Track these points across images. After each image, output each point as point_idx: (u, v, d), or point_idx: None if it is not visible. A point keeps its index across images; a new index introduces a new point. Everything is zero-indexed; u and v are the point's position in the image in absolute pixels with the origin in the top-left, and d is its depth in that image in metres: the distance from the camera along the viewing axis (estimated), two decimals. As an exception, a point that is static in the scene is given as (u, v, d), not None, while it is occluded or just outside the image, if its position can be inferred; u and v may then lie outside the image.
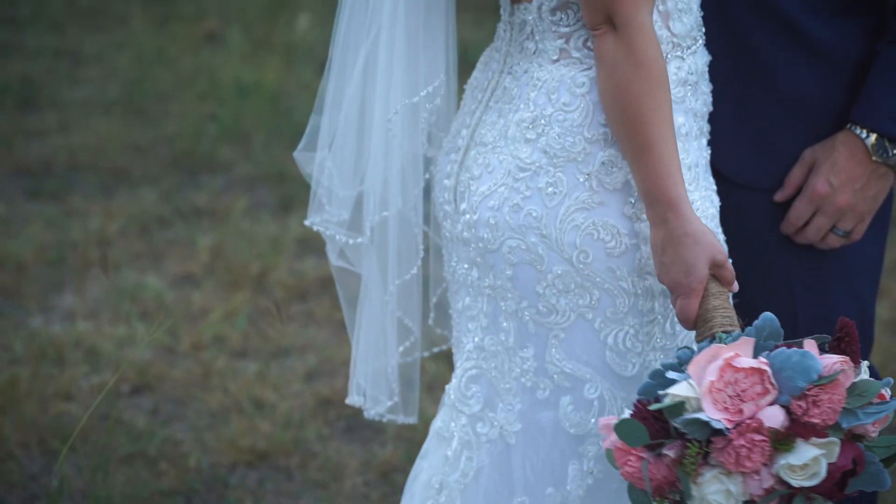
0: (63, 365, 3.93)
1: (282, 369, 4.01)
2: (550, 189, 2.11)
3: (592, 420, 2.16)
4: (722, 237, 2.21)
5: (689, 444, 1.90)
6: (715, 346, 1.94)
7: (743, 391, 1.91)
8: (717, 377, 1.90)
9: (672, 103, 2.07)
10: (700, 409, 1.90)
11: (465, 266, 2.21)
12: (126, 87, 5.88)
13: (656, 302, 2.14)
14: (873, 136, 2.25)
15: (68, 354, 3.98)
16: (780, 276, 2.35)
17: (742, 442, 1.88)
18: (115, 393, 3.80)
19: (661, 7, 2.11)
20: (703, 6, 2.19)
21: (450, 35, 2.26)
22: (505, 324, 2.18)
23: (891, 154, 2.25)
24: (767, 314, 1.98)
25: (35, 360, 3.92)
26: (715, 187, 2.23)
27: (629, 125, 2.03)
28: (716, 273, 2.04)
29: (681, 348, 2.09)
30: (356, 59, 2.23)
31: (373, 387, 2.37)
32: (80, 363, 3.95)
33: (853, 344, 1.97)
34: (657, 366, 2.01)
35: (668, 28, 2.13)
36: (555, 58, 2.13)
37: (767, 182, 2.33)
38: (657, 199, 2.03)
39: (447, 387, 2.28)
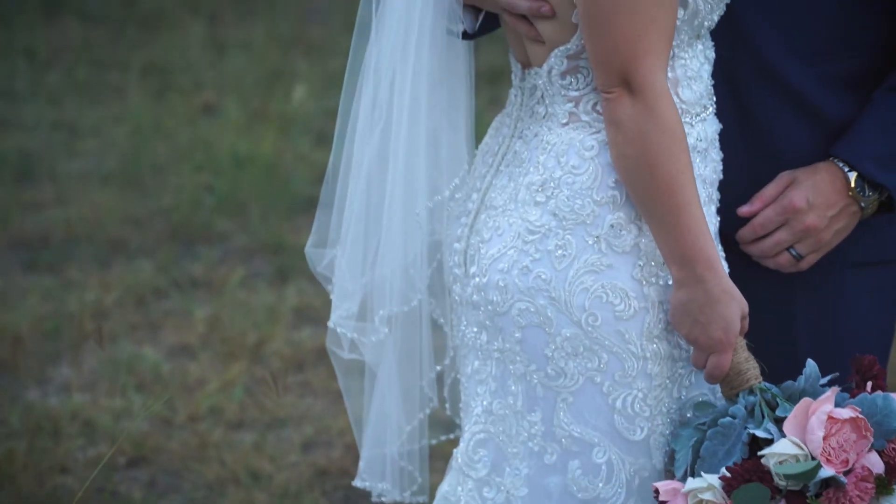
0: (59, 438, 3.92)
1: (278, 440, 3.99)
2: (560, 251, 2.11)
3: (600, 484, 2.15)
4: None
5: (808, 500, 1.99)
6: (805, 401, 2.03)
7: (845, 441, 2.00)
8: (826, 432, 1.99)
9: None
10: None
11: (475, 329, 2.21)
12: (123, 159, 5.90)
13: (665, 366, 2.14)
14: (854, 174, 2.26)
15: (64, 427, 3.97)
16: (786, 341, 2.35)
17: (857, 492, 1.98)
18: (112, 465, 3.78)
19: (670, 74, 2.14)
20: (713, 75, 2.22)
21: (470, 125, 2.28)
22: (513, 387, 2.18)
23: (867, 194, 2.26)
24: (810, 362, 2.08)
25: (31, 433, 3.91)
26: (724, 254, 2.24)
27: (658, 189, 2.05)
28: (741, 324, 2.10)
29: (699, 403, 2.13)
30: (363, 155, 2.24)
31: (383, 472, 2.37)
32: (75, 436, 3.93)
33: (883, 378, 2.08)
34: (703, 422, 2.08)
35: (678, 94, 2.15)
36: (564, 121, 2.15)
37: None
38: (692, 259, 2.05)
39: (455, 451, 2.27)
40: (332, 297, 2.32)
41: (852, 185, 2.25)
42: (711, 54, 2.22)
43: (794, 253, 2.26)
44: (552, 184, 2.13)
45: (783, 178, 2.27)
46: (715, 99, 2.23)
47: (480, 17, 2.24)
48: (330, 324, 2.32)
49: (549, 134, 2.16)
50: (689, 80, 2.16)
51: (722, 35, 2.22)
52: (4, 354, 4.37)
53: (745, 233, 2.27)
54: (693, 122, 2.17)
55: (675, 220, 2.06)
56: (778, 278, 2.34)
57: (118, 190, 5.62)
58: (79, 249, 5.14)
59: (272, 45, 7.11)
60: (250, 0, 7.73)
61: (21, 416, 4.01)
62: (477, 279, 2.18)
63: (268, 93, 6.61)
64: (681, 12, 2.11)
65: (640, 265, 2.12)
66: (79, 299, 4.72)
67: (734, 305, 2.08)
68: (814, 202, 2.24)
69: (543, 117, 2.17)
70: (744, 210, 2.26)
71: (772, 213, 2.25)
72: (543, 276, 2.12)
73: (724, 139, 2.25)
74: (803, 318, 2.36)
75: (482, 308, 2.18)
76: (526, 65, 2.20)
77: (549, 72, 2.15)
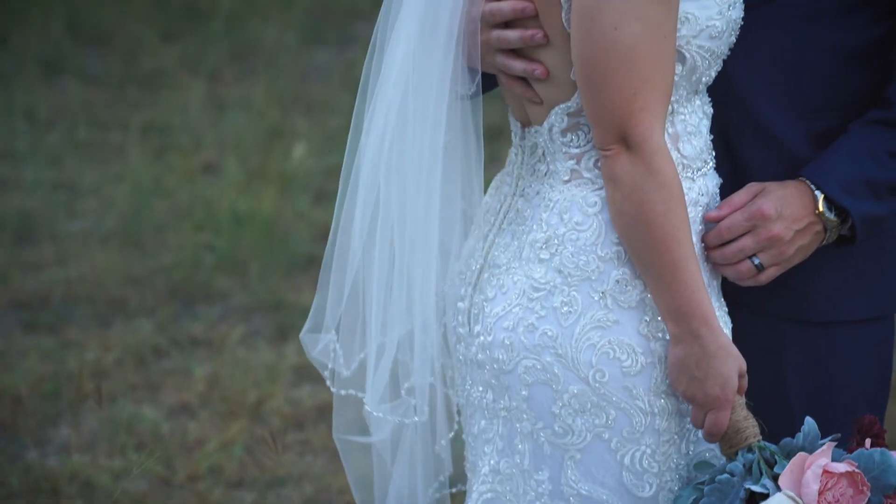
0: (58, 498, 3.89)
1: (278, 499, 3.97)
2: (565, 308, 2.11)
3: (608, 543, 2.13)
4: None
5: None
6: (800, 455, 2.03)
7: (842, 495, 1.99)
8: (822, 486, 1.98)
9: None
10: None
11: (480, 389, 2.20)
12: (123, 219, 5.90)
13: (672, 421, 2.14)
14: (822, 195, 2.26)
15: (63, 488, 3.94)
16: (779, 398, 2.34)
17: None
18: (111, 526, 3.76)
19: (670, 129, 2.15)
20: (710, 130, 2.22)
21: (482, 190, 2.27)
22: (520, 446, 2.17)
23: (831, 217, 2.26)
24: (809, 419, 2.08)
25: (30, 494, 3.88)
26: (726, 308, 2.24)
27: (655, 245, 2.05)
28: (739, 383, 2.09)
29: (698, 463, 2.11)
30: (361, 230, 2.23)
31: None
32: (75, 496, 3.91)
33: (883, 437, 2.07)
34: (703, 479, 2.07)
35: (678, 150, 2.16)
36: (566, 178, 2.15)
37: (778, 308, 2.33)
38: (688, 315, 2.05)
39: (463, 511, 2.27)
40: (328, 382, 2.29)
41: (820, 206, 2.25)
42: (709, 109, 2.23)
43: (756, 262, 2.25)
44: (556, 241, 2.13)
45: (753, 186, 2.26)
46: (714, 153, 2.24)
47: (478, 78, 2.25)
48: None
49: (551, 191, 2.16)
50: (690, 135, 2.17)
51: (714, 90, 2.24)
52: (4, 415, 4.35)
53: (710, 237, 2.25)
54: (695, 177, 2.18)
55: (672, 275, 2.06)
56: (771, 337, 2.34)
57: (118, 249, 5.63)
58: (78, 309, 5.13)
59: (272, 103, 7.13)
60: (250, 59, 7.78)
61: (20, 477, 3.98)
62: (482, 338, 2.17)
63: (267, 151, 6.62)
64: (679, 68, 2.12)
65: (646, 320, 2.11)
66: (78, 359, 4.70)
67: (731, 362, 2.07)
68: (782, 212, 2.24)
69: (545, 175, 2.18)
70: (711, 215, 2.24)
71: (740, 217, 2.23)
72: (549, 333, 2.11)
73: (721, 193, 2.26)
74: (796, 378, 2.35)
75: (487, 367, 2.17)
76: (526, 123, 2.21)
77: (550, 129, 2.16)
